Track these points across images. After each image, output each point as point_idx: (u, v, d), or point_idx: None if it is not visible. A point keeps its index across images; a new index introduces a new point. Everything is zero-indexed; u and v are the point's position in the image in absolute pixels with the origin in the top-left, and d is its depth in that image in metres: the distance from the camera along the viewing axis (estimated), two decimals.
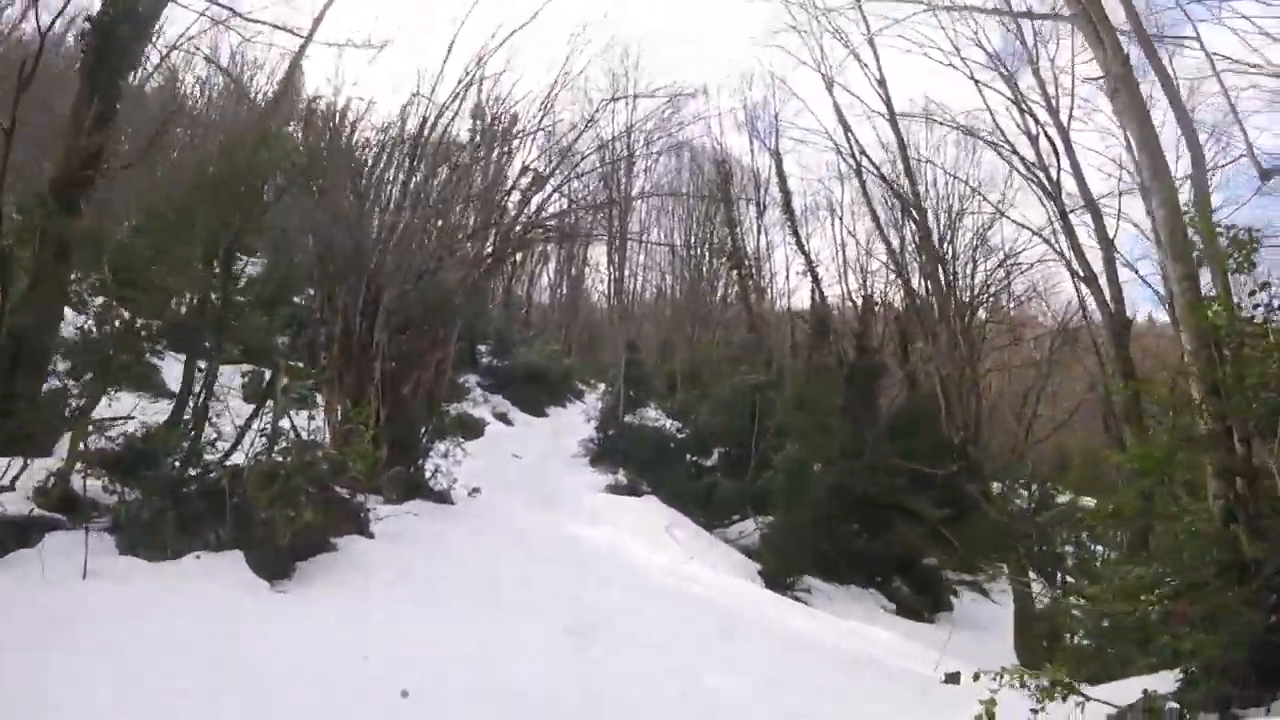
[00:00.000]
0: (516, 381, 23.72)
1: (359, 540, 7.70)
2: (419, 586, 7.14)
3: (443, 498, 11.79)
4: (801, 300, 23.82)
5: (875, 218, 17.82)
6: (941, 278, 15.56)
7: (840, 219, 23.55)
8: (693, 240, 29.01)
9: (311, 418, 11.57)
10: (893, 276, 23.36)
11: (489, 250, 13.84)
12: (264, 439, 7.82)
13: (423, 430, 12.42)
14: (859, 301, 22.91)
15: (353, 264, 12.47)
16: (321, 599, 6.30)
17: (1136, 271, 13.89)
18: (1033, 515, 14.87)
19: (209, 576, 5.98)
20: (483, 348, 25.07)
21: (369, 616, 6.15)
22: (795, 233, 22.14)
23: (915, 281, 21.89)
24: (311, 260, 13.03)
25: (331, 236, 12.52)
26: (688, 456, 17.15)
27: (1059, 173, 14.19)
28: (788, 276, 23.35)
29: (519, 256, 30.93)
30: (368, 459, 8.69)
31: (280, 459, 7.31)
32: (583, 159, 15.46)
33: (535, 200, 13.71)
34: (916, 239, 17.83)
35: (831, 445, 12.71)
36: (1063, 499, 20.32)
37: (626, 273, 30.81)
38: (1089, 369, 16.34)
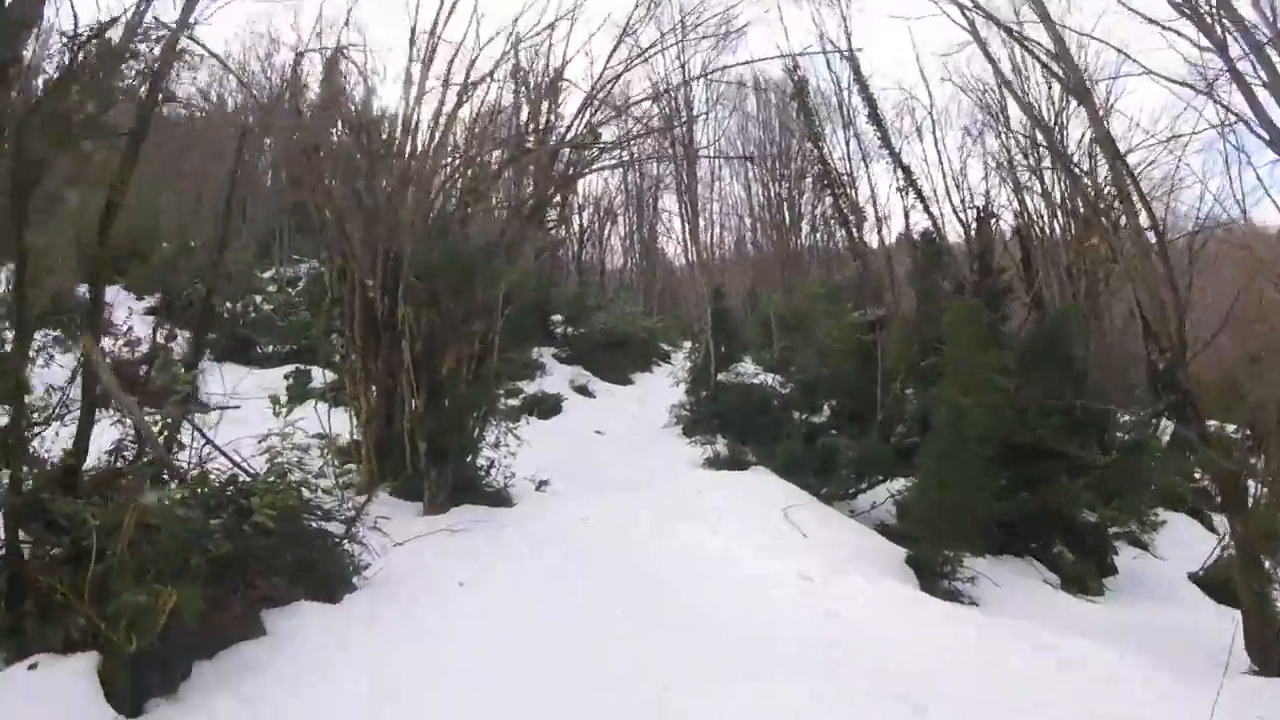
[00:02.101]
0: (595, 350, 21.19)
1: (315, 614, 4.99)
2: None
3: (499, 499, 9.27)
4: (901, 226, 20.50)
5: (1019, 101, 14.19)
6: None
7: (935, 128, 20.05)
8: (772, 167, 25.71)
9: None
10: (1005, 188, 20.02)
11: (528, 193, 11.10)
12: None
13: (473, 418, 9.87)
14: (968, 218, 19.54)
15: (367, 224, 10.01)
16: None
17: None
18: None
19: (38, 701, 3.50)
20: (557, 317, 22.63)
21: None
22: (887, 143, 18.66)
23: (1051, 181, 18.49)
24: (319, 227, 10.58)
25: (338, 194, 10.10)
26: (796, 415, 14.16)
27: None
28: (885, 200, 19.79)
29: (576, 206, 28.63)
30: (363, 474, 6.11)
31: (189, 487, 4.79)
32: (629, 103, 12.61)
33: (578, 126, 10.76)
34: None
35: (987, 386, 9.58)
36: None
37: (701, 222, 27.82)
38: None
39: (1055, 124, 19.50)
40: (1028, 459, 11.90)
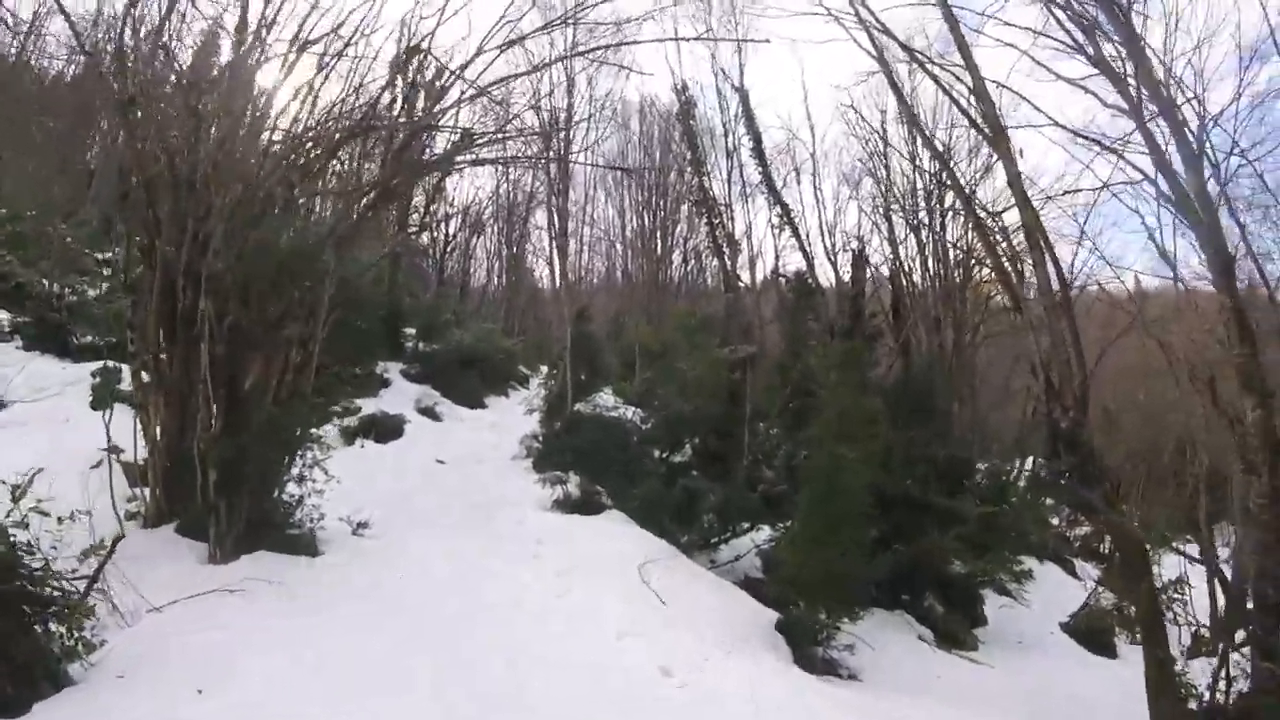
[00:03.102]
0: (448, 368, 19.41)
1: None
2: None
3: (303, 545, 7.55)
4: (772, 265, 20.05)
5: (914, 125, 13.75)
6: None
7: (815, 170, 19.86)
8: (648, 194, 24.90)
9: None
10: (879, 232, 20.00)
11: (370, 183, 9.49)
12: None
13: (280, 442, 8.14)
14: (842, 260, 19.32)
15: (178, 196, 8.18)
16: None
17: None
18: None
19: None
20: (409, 330, 20.75)
21: None
22: (768, 178, 18.18)
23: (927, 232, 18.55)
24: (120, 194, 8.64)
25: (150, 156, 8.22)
26: (655, 453, 13.08)
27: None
28: (761, 237, 19.22)
29: (444, 214, 26.80)
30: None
31: None
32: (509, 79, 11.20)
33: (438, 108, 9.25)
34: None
35: (864, 434, 8.80)
36: None
37: (572, 244, 26.65)
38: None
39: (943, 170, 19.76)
40: (897, 510, 11.32)
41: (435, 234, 27.91)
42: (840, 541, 8.01)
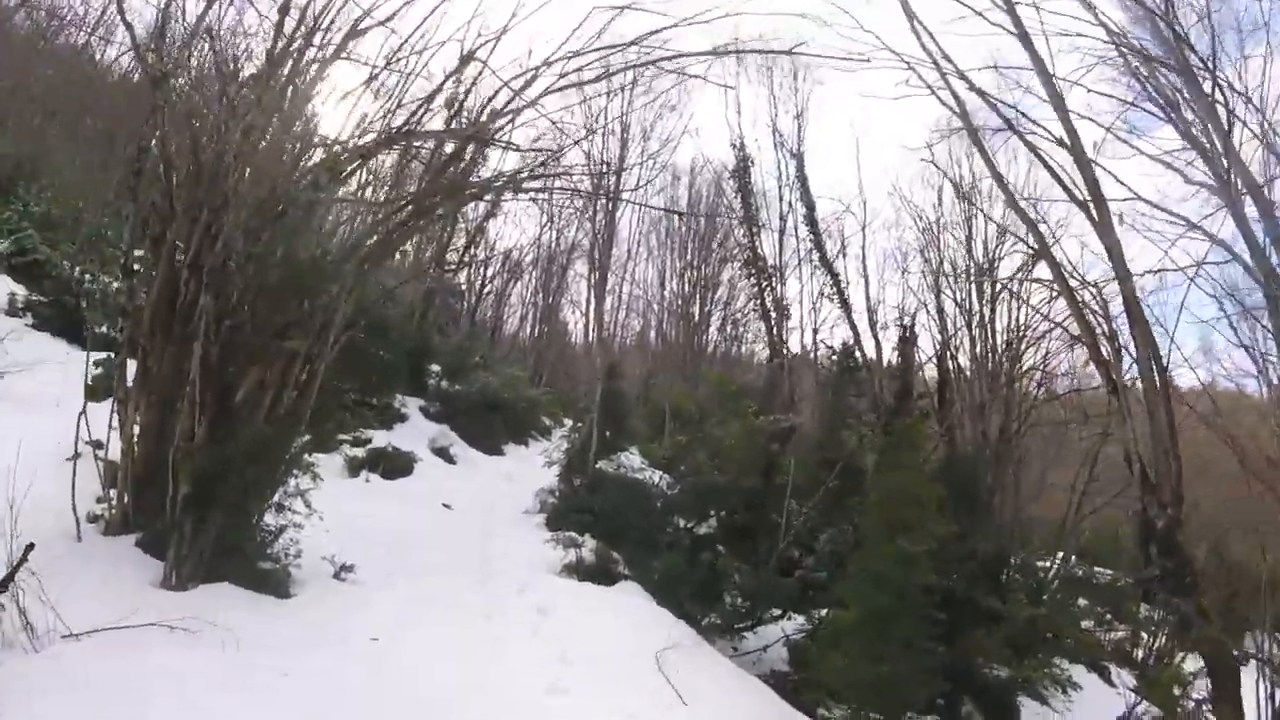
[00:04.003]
0: (470, 410, 18.46)
1: None
2: None
3: (273, 583, 6.49)
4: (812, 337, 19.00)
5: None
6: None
7: (863, 244, 18.84)
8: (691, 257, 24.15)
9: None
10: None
11: (405, 197, 8.67)
12: None
13: (267, 464, 7.11)
14: (891, 336, 18.20)
15: (195, 183, 7.40)
16: None
17: None
18: None
19: None
20: (435, 368, 19.87)
21: None
22: (819, 246, 17.27)
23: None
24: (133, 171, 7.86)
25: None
26: (680, 522, 11.86)
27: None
28: (810, 307, 18.22)
29: (483, 257, 26.14)
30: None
31: None
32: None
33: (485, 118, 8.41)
34: None
35: (924, 527, 7.60)
36: None
37: (609, 301, 25.91)
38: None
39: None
40: (941, 608, 10.01)
41: (472, 275, 27.35)
42: (895, 642, 6.76)
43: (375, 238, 8.33)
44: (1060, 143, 8.41)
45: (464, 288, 27.39)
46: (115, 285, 13.48)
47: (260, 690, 4.34)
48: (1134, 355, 7.49)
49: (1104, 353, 7.87)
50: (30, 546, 4.37)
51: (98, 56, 19.32)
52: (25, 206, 13.25)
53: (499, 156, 12.67)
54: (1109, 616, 18.63)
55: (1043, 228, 10.67)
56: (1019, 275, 15.25)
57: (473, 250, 23.96)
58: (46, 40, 18.25)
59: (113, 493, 6.93)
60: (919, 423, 10.52)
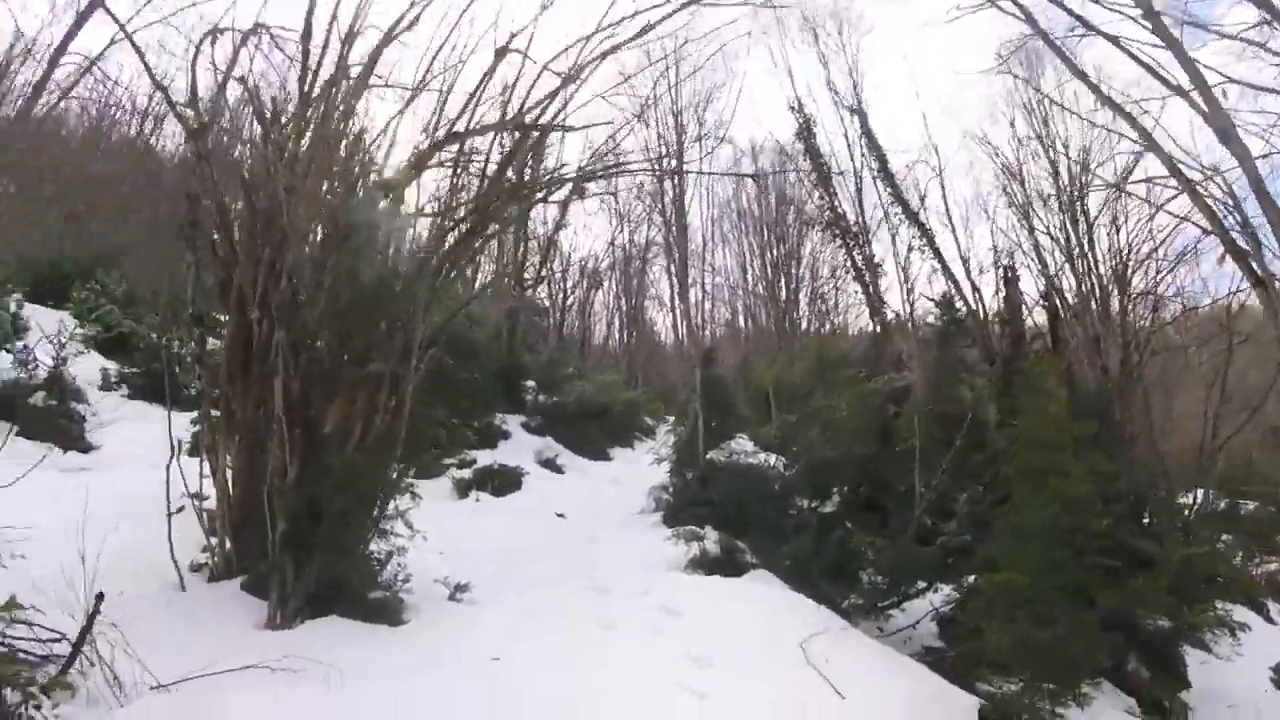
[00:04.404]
0: (570, 420, 18.20)
1: None
2: None
3: (384, 611, 6.16)
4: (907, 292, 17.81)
5: None
6: None
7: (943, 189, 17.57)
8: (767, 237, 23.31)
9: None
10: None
11: (467, 204, 8.30)
12: None
13: (362, 494, 6.84)
14: (995, 279, 16.91)
15: (252, 226, 7.27)
16: None
17: None
18: None
19: None
20: (529, 384, 19.70)
21: None
22: (899, 198, 16.19)
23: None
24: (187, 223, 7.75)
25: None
26: (802, 503, 11.12)
27: None
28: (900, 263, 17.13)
29: (560, 271, 25.92)
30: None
31: None
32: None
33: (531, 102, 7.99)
34: None
35: (1076, 465, 6.68)
36: None
37: (692, 293, 25.27)
38: None
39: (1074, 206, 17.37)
40: (1103, 557, 8.94)
41: (553, 290, 27.26)
42: (1063, 600, 5.91)
43: (443, 249, 8.01)
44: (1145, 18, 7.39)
45: (547, 304, 27.35)
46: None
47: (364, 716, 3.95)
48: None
49: (1240, 245, 6.82)
50: (100, 596, 4.11)
51: (154, 142, 20.15)
52: (104, 287, 13.72)
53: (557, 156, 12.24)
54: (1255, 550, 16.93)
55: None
56: (1124, 180, 13.69)
57: (549, 264, 23.79)
58: (105, 135, 19.14)
59: (213, 540, 6.79)
60: (1055, 359, 9.44)
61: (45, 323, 11.79)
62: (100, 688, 3.84)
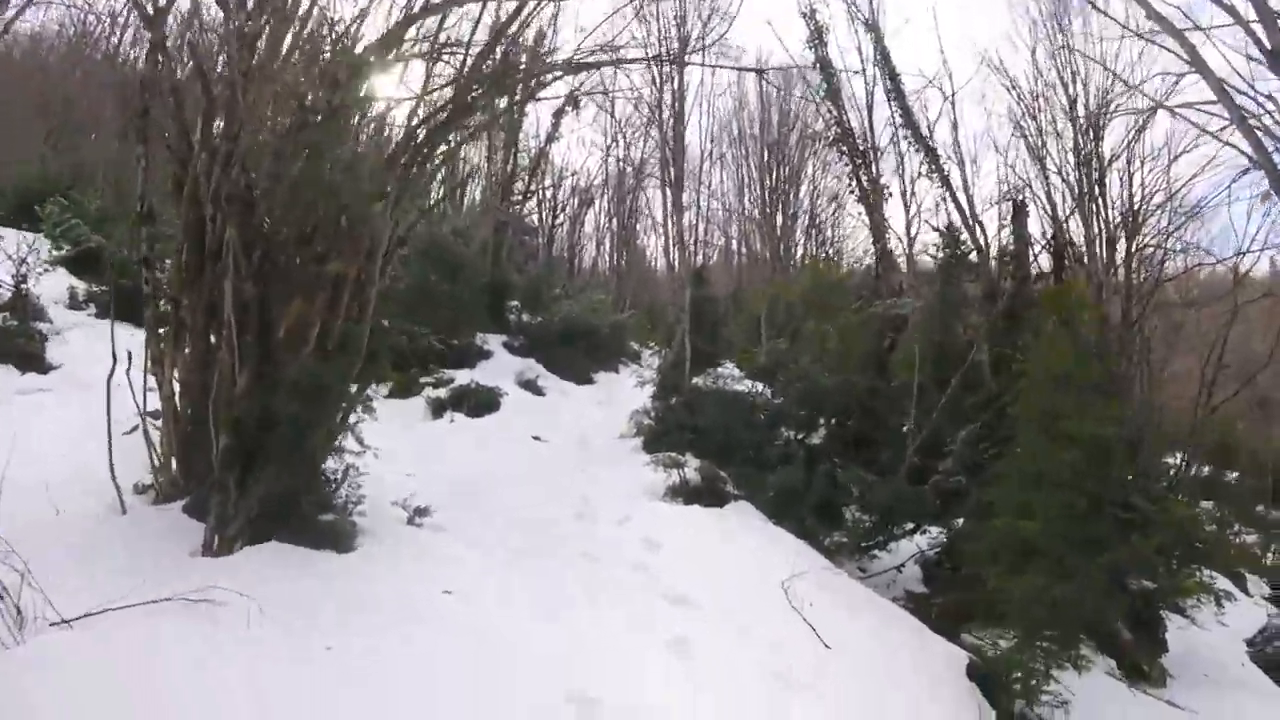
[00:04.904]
0: (554, 342, 17.52)
1: None
2: None
3: (334, 535, 5.66)
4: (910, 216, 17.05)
5: None
6: None
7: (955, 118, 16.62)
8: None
9: None
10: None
11: (444, 86, 7.51)
12: None
13: (322, 406, 6.27)
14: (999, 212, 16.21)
15: (210, 113, 6.50)
16: None
17: None
18: None
19: None
20: (513, 303, 18.99)
21: None
22: (910, 123, 15.31)
23: None
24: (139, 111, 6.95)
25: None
26: (788, 434, 10.65)
27: None
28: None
29: (550, 186, 24.99)
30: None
31: None
32: None
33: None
34: None
35: (1094, 408, 6.17)
36: None
37: (687, 218, 24.39)
38: None
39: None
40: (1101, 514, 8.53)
41: (543, 208, 26.26)
42: (1078, 552, 5.46)
43: (415, 140, 7.25)
44: None
45: (536, 224, 26.40)
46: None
47: (285, 665, 3.46)
48: None
49: None
50: None
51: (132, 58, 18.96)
52: (75, 204, 12.92)
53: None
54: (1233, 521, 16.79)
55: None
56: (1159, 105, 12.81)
57: (539, 179, 22.78)
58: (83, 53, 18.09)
59: (159, 460, 6.24)
60: (1073, 283, 8.84)
61: (16, 245, 11.08)
62: None
